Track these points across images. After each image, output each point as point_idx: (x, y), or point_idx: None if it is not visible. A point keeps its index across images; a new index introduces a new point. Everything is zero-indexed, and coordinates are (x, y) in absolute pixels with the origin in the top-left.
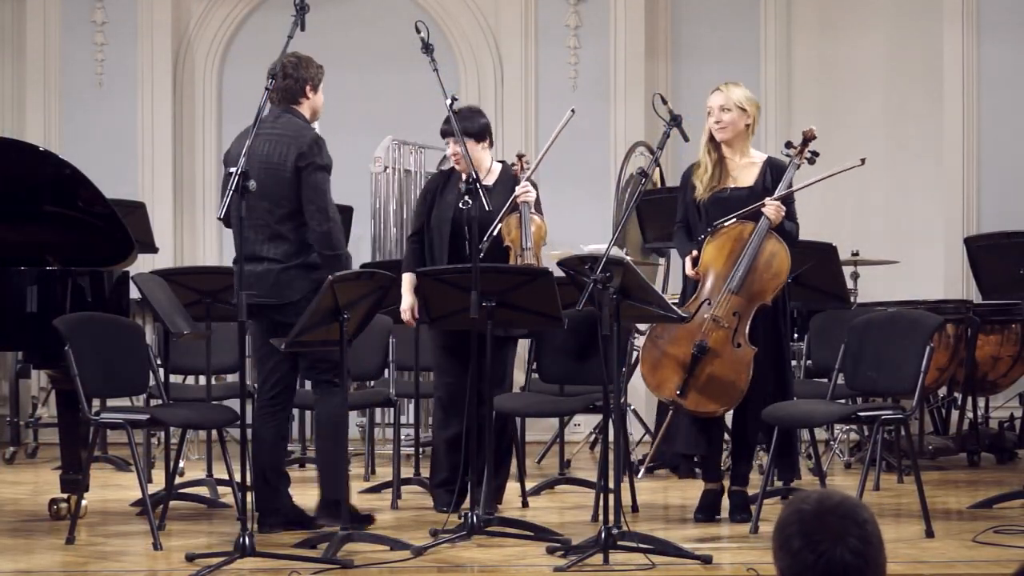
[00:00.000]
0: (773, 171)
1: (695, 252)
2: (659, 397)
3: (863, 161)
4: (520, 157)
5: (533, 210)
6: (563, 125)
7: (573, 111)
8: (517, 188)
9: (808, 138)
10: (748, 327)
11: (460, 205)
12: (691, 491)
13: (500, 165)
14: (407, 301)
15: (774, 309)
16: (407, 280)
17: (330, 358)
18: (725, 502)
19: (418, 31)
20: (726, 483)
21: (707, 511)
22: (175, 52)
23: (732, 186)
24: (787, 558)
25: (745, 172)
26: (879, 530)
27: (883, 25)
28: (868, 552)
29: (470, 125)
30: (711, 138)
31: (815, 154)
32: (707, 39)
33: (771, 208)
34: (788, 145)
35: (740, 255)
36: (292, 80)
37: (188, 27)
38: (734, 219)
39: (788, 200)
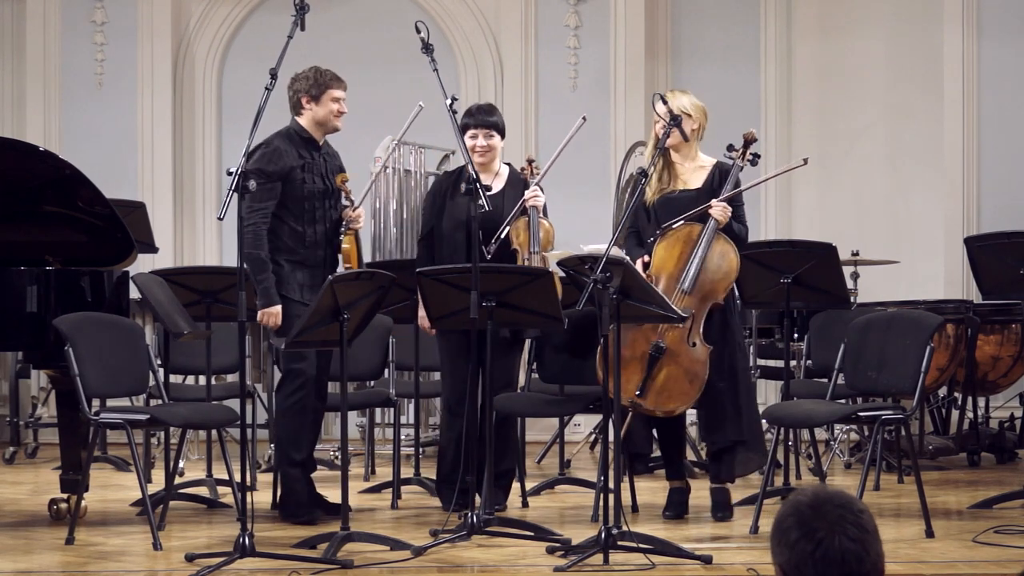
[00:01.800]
0: (721, 174)
1: (646, 257)
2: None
3: (805, 161)
4: (530, 162)
5: (541, 215)
6: (574, 132)
7: (584, 119)
8: (527, 192)
9: (748, 140)
10: (702, 326)
11: (474, 212)
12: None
13: (507, 167)
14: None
15: (724, 308)
16: None
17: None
18: (706, 501)
19: (418, 31)
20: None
21: (675, 508)
22: (175, 52)
23: (681, 188)
24: (786, 551)
25: (694, 176)
26: (874, 522)
27: (883, 26)
28: (866, 539)
29: (499, 120)
30: (656, 143)
31: (756, 156)
32: (707, 39)
33: (717, 209)
34: (730, 148)
35: (690, 256)
36: (291, 92)
37: (188, 27)
38: (682, 221)
39: (736, 203)
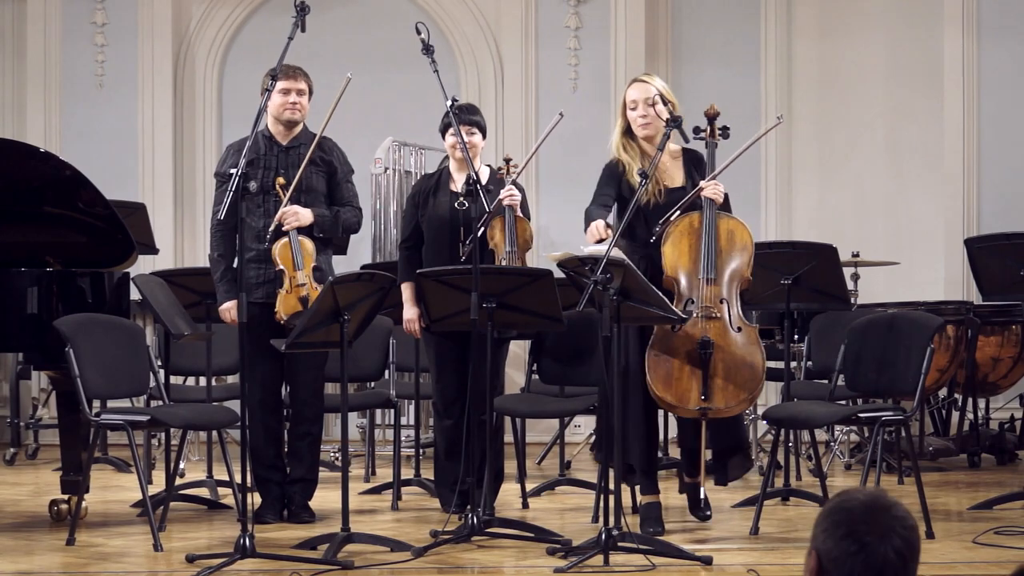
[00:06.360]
0: (693, 161)
1: (610, 219)
2: (684, 413)
3: (780, 119)
4: (507, 162)
5: (519, 213)
6: (551, 128)
7: (561, 114)
8: (502, 192)
9: (711, 116)
10: (739, 308)
11: (456, 206)
12: None
13: (488, 168)
14: (411, 312)
15: None
16: (407, 290)
17: None
18: (711, 502)
19: (418, 32)
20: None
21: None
22: (175, 53)
23: (667, 186)
24: (829, 542)
25: (672, 170)
26: (920, 543)
27: (883, 26)
28: (909, 556)
29: (482, 120)
30: (626, 131)
31: (726, 128)
32: (707, 41)
33: (709, 189)
34: (696, 130)
35: (700, 244)
36: None
37: (188, 28)
38: (677, 212)
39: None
